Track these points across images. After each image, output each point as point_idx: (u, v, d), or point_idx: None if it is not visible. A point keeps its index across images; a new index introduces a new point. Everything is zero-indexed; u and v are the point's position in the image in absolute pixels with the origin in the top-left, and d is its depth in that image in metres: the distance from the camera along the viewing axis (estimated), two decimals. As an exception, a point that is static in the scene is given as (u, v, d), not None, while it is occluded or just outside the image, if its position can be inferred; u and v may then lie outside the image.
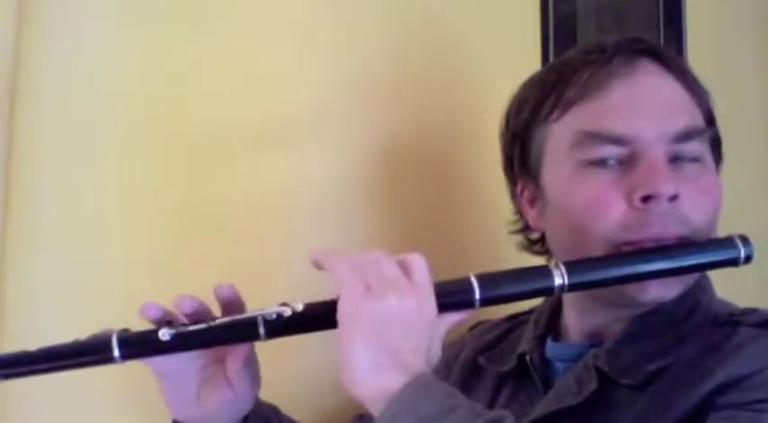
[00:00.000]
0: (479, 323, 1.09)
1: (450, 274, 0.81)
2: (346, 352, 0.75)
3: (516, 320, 1.05)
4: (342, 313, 0.76)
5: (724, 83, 0.94)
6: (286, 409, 1.01)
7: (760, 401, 0.75)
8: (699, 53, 1.18)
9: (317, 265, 0.81)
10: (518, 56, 1.24)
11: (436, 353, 0.79)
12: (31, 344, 0.83)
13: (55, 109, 1.13)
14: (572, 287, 0.83)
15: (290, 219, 1.15)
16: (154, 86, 1.15)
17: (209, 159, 1.14)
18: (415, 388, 0.74)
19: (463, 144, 1.23)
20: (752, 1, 1.28)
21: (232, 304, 0.85)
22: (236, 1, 1.17)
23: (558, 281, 0.82)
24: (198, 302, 0.83)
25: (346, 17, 1.19)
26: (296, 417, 1.02)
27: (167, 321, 0.82)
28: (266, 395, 0.95)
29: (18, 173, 1.13)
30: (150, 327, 0.83)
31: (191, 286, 1.04)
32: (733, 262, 0.85)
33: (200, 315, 0.83)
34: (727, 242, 0.85)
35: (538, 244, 0.98)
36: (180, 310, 0.83)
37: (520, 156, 0.95)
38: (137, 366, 0.85)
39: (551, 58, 1.24)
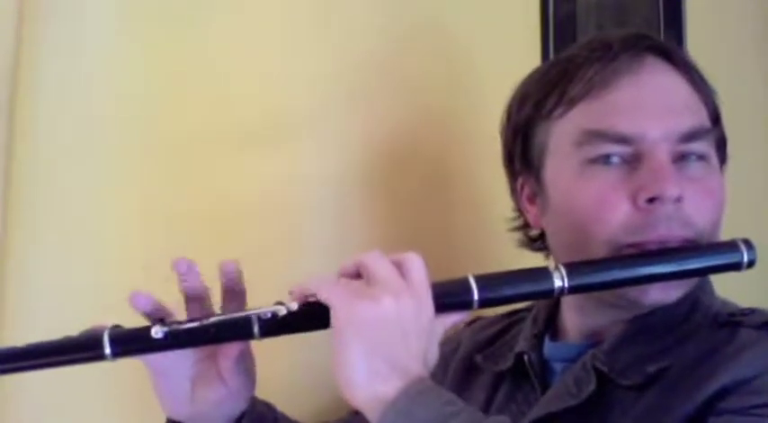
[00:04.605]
0: (477, 319, 1.07)
1: (447, 274, 0.81)
2: (341, 356, 0.73)
3: (514, 317, 1.04)
4: (336, 316, 0.74)
5: (724, 83, 0.93)
6: (281, 405, 1.00)
7: (760, 406, 0.74)
8: (699, 53, 1.18)
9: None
10: (518, 56, 1.23)
11: (433, 354, 0.78)
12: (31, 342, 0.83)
13: (55, 109, 1.13)
14: (572, 290, 0.82)
15: (287, 218, 1.15)
16: (153, 86, 1.15)
17: (207, 158, 1.15)
18: (413, 394, 0.72)
19: (462, 143, 1.23)
20: (752, 1, 1.27)
21: (233, 284, 0.84)
22: (234, 1, 1.17)
23: (557, 283, 0.81)
24: (153, 301, 0.82)
25: (345, 15, 1.19)
26: (292, 413, 1.02)
27: (160, 319, 0.81)
28: (261, 392, 0.94)
29: (18, 172, 1.14)
30: (142, 320, 0.82)
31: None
32: (736, 266, 0.84)
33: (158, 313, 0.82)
34: (731, 246, 0.84)
35: (537, 241, 0.97)
36: (135, 308, 0.82)
37: (521, 151, 0.93)
38: (131, 365, 0.84)
39: (551, 58, 1.24)
